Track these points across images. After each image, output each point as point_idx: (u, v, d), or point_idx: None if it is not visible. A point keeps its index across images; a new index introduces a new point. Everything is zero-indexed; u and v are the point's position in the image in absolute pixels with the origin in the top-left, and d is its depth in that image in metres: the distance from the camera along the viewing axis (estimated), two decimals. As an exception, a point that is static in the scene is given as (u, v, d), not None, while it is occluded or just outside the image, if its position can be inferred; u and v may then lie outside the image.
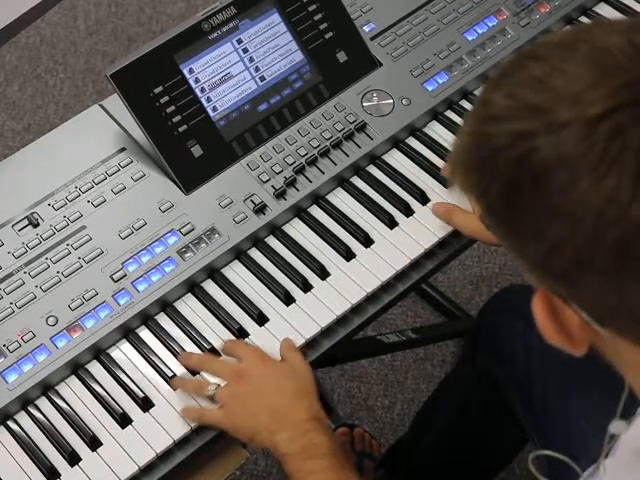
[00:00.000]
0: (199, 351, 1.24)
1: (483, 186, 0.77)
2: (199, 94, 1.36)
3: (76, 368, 1.23)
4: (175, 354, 1.24)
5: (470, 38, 1.51)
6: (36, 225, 1.29)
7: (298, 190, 1.36)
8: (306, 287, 1.30)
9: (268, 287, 1.30)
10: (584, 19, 1.59)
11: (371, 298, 1.31)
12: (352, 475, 1.12)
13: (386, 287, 1.31)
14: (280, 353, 1.23)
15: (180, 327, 1.26)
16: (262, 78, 1.40)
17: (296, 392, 1.17)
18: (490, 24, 1.53)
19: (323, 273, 1.31)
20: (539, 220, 0.73)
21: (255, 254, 1.33)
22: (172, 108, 1.34)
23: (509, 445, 1.67)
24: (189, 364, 1.22)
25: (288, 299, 1.29)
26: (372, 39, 1.49)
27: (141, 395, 1.20)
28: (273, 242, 1.34)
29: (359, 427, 1.93)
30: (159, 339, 1.25)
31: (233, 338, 1.25)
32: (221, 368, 1.20)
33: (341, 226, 1.36)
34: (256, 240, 1.34)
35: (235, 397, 1.17)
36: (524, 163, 0.72)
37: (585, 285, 0.73)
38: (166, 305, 1.28)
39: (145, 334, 1.26)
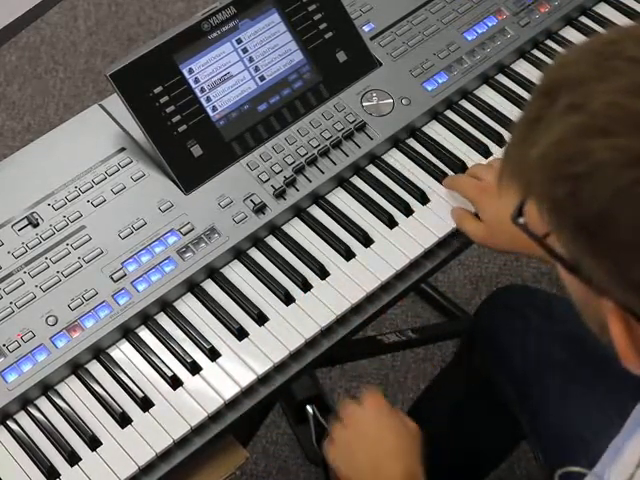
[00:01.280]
0: (199, 351, 1.24)
1: (576, 201, 0.71)
2: (199, 94, 1.36)
3: (76, 368, 1.23)
4: (175, 354, 1.24)
5: (470, 38, 1.51)
6: (36, 225, 1.29)
7: (298, 190, 1.36)
8: (306, 287, 1.30)
9: (268, 287, 1.30)
10: (584, 19, 1.59)
11: (371, 298, 1.31)
12: None
13: (386, 287, 1.31)
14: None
15: (180, 327, 1.26)
16: (262, 78, 1.40)
17: (400, 447, 1.18)
18: (490, 24, 1.53)
19: (323, 273, 1.31)
20: None
21: (255, 254, 1.33)
22: (172, 108, 1.34)
23: (502, 445, 1.67)
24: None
25: (288, 299, 1.29)
26: (372, 39, 1.49)
27: (141, 395, 1.20)
28: (273, 242, 1.34)
29: None
30: (159, 339, 1.25)
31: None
32: (343, 408, 1.23)
33: (341, 226, 1.36)
34: (256, 240, 1.34)
35: (344, 443, 1.20)
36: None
37: None
38: (166, 305, 1.28)
39: (145, 334, 1.26)
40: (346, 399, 1.25)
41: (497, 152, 1.43)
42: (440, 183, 1.39)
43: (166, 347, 1.25)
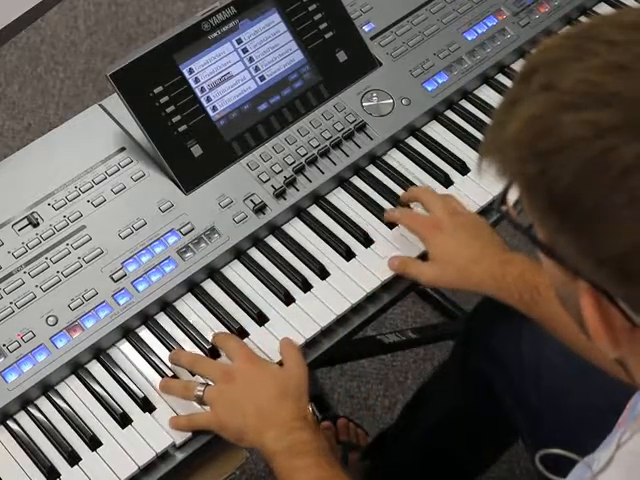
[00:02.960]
0: (199, 351, 1.24)
1: (546, 179, 0.73)
2: (199, 94, 1.36)
3: (76, 368, 1.23)
4: (175, 354, 1.24)
5: (470, 38, 1.51)
6: (36, 225, 1.29)
7: (298, 190, 1.36)
8: (306, 287, 1.30)
9: (268, 287, 1.30)
10: (584, 19, 1.59)
11: (371, 298, 1.31)
12: (339, 471, 1.12)
13: (386, 287, 1.31)
14: (279, 351, 1.23)
15: (180, 327, 1.26)
16: (262, 78, 1.40)
17: (283, 392, 1.17)
18: (490, 24, 1.53)
19: (323, 273, 1.31)
20: (622, 216, 0.70)
21: (255, 254, 1.33)
22: (172, 108, 1.34)
23: (495, 445, 1.67)
24: (179, 363, 1.22)
25: (288, 299, 1.29)
26: (372, 39, 1.49)
27: (141, 395, 1.20)
28: (273, 242, 1.34)
29: (343, 417, 1.93)
30: (159, 339, 1.25)
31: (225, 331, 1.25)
32: (210, 368, 1.20)
33: (341, 226, 1.36)
34: (256, 240, 1.34)
35: (223, 397, 1.17)
36: (608, 157, 0.69)
37: None
38: (166, 305, 1.28)
39: (145, 334, 1.26)
40: (205, 358, 1.21)
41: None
42: (441, 184, 1.39)
43: (166, 347, 1.25)
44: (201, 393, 1.18)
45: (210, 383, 1.19)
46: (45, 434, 1.18)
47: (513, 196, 0.80)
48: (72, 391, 1.21)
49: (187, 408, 1.19)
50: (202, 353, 1.24)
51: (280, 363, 1.22)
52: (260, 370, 1.19)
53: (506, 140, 0.76)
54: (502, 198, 0.81)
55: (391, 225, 1.35)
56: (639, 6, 1.61)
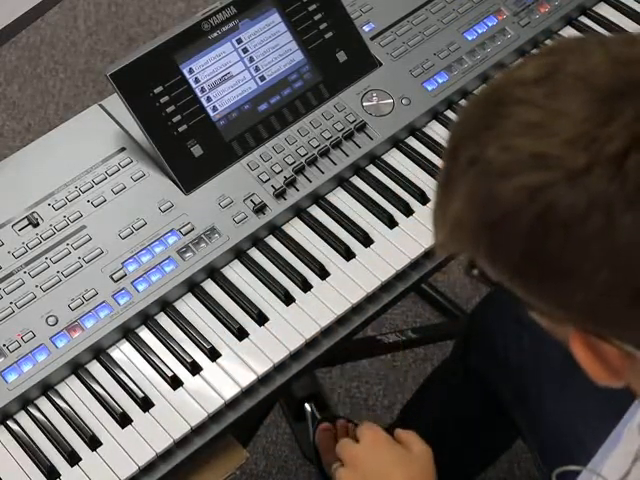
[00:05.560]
0: (199, 351, 1.24)
1: (500, 248, 0.73)
2: (199, 94, 1.36)
3: (76, 368, 1.23)
4: (175, 354, 1.24)
5: (470, 38, 1.51)
6: (36, 225, 1.29)
7: (298, 190, 1.36)
8: (306, 287, 1.30)
9: (268, 287, 1.30)
10: (584, 19, 1.59)
11: (371, 298, 1.31)
12: None
13: (386, 287, 1.31)
14: (396, 435, 1.23)
15: (180, 327, 1.26)
16: (262, 78, 1.40)
17: (407, 478, 1.16)
18: (490, 24, 1.53)
19: (323, 273, 1.31)
20: (584, 269, 0.70)
21: (255, 254, 1.33)
22: (172, 108, 1.34)
23: (495, 445, 1.67)
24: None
25: (288, 299, 1.29)
26: (372, 39, 1.49)
27: (141, 395, 1.20)
28: (273, 242, 1.34)
29: (342, 418, 1.92)
30: (159, 339, 1.25)
31: None
32: (341, 450, 1.21)
33: (341, 226, 1.36)
34: (256, 240, 1.34)
35: None
36: (549, 216, 0.69)
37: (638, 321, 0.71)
38: (166, 305, 1.28)
39: (145, 334, 1.26)
40: (344, 439, 1.23)
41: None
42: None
43: (166, 347, 1.25)
44: (334, 470, 1.20)
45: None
46: (45, 434, 1.18)
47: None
48: (72, 391, 1.21)
49: (188, 406, 1.19)
50: (202, 353, 1.24)
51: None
52: (383, 455, 1.19)
53: (452, 221, 0.76)
54: (469, 265, 0.80)
55: (391, 225, 1.35)
56: (637, 6, 1.60)
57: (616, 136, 0.68)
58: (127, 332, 1.26)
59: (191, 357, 1.23)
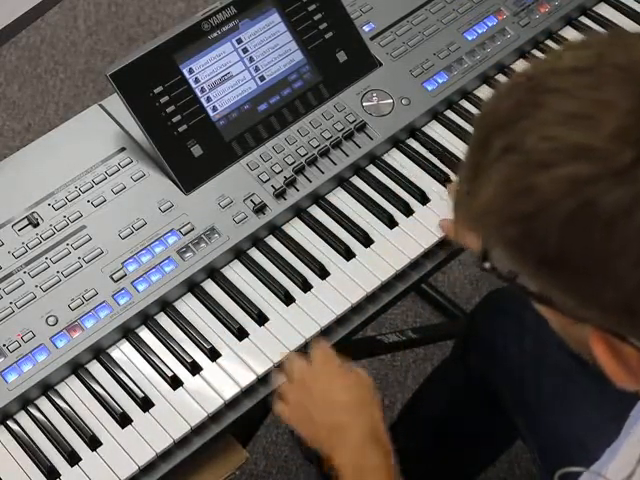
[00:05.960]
0: (199, 351, 1.24)
1: (532, 239, 0.72)
2: (199, 94, 1.36)
3: (76, 368, 1.23)
4: (175, 354, 1.24)
5: (470, 38, 1.51)
6: (36, 225, 1.29)
7: (298, 190, 1.36)
8: (306, 287, 1.30)
9: (268, 287, 1.30)
10: (584, 19, 1.59)
11: (371, 298, 1.31)
12: None
13: (386, 287, 1.31)
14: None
15: (180, 327, 1.26)
16: (262, 78, 1.40)
17: (356, 404, 1.14)
18: (490, 24, 1.53)
19: (323, 273, 1.31)
20: (618, 266, 0.69)
21: (255, 254, 1.33)
22: (172, 108, 1.34)
23: (495, 445, 1.67)
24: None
25: (288, 299, 1.29)
26: (372, 39, 1.49)
27: (141, 395, 1.20)
28: (273, 242, 1.34)
29: None
30: (159, 339, 1.25)
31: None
32: (290, 366, 1.19)
33: (341, 226, 1.36)
34: (256, 240, 1.34)
35: (296, 403, 1.17)
36: (590, 210, 0.68)
37: None
38: (166, 305, 1.28)
39: (145, 334, 1.26)
40: (292, 355, 1.21)
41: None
42: (440, 183, 1.39)
43: (166, 347, 1.25)
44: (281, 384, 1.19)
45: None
46: (45, 434, 1.18)
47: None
48: (72, 391, 1.21)
49: (188, 406, 1.19)
50: (202, 353, 1.24)
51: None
52: (334, 378, 1.17)
53: (480, 209, 0.75)
54: (482, 257, 0.79)
55: (391, 225, 1.35)
56: (637, 6, 1.61)
57: None
58: (127, 332, 1.26)
59: (191, 357, 1.23)
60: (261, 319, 1.27)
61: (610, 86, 0.70)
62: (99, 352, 1.24)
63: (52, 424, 1.18)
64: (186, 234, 1.30)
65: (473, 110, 1.48)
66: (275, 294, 1.29)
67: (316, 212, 1.37)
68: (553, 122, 0.70)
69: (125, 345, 1.25)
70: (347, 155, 1.40)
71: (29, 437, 1.17)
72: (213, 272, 1.31)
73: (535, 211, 0.71)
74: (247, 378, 1.22)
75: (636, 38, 0.73)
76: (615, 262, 0.69)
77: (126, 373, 1.22)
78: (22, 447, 1.17)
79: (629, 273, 0.69)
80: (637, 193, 0.67)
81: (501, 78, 1.52)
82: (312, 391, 1.17)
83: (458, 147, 1.44)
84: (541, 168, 0.70)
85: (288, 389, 1.18)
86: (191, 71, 1.35)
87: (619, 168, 0.67)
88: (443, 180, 1.40)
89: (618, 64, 0.71)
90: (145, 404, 1.20)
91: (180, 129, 1.34)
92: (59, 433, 1.18)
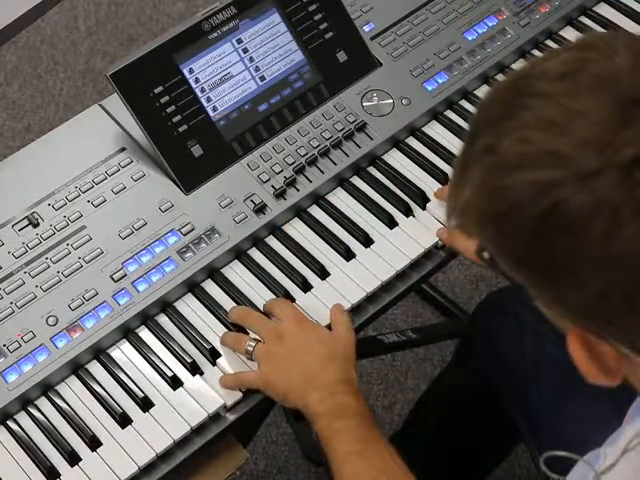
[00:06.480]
0: (198, 352, 1.24)
1: (505, 238, 0.74)
2: (199, 94, 1.36)
3: (76, 368, 1.23)
4: (175, 354, 1.24)
5: (470, 38, 1.51)
6: (36, 225, 1.29)
7: (298, 190, 1.36)
8: (306, 287, 1.30)
9: (268, 287, 1.30)
10: (584, 19, 1.59)
11: (371, 298, 1.31)
12: (378, 434, 1.14)
13: (386, 287, 1.31)
14: (330, 317, 1.25)
15: (180, 327, 1.26)
16: (262, 78, 1.40)
17: (330, 355, 1.19)
18: (490, 24, 1.53)
19: (323, 273, 1.31)
20: (582, 270, 0.70)
21: (255, 254, 1.33)
22: (172, 108, 1.34)
23: (499, 447, 1.67)
24: (231, 316, 1.24)
25: (288, 299, 1.28)
26: (372, 39, 1.49)
27: (141, 395, 1.20)
28: (273, 242, 1.34)
29: None
30: (159, 339, 1.25)
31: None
32: (261, 325, 1.22)
33: (341, 226, 1.36)
34: (256, 240, 1.34)
35: (271, 356, 1.19)
36: (555, 214, 0.70)
37: (633, 326, 0.72)
38: (166, 305, 1.28)
39: (145, 334, 1.26)
40: (256, 315, 1.23)
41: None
42: (440, 183, 1.39)
43: (166, 347, 1.25)
44: (251, 348, 1.20)
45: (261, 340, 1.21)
46: (45, 434, 1.18)
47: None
48: (72, 391, 1.21)
49: (188, 406, 1.19)
50: (202, 354, 1.24)
51: (329, 327, 1.23)
52: (309, 332, 1.21)
53: (464, 205, 0.78)
54: (479, 250, 0.81)
55: (391, 225, 1.35)
56: (637, 6, 1.60)
57: (631, 143, 0.68)
58: (127, 332, 1.26)
59: (191, 357, 1.23)
60: (261, 319, 1.27)
61: (586, 95, 0.71)
62: (99, 352, 1.24)
63: (52, 424, 1.18)
64: (186, 234, 1.30)
65: (473, 110, 1.48)
66: (275, 294, 1.29)
67: (316, 212, 1.37)
68: (533, 126, 0.72)
69: (125, 345, 1.25)
70: (347, 155, 1.40)
71: (29, 437, 1.17)
72: (213, 272, 1.31)
73: (506, 212, 0.73)
74: (247, 378, 1.22)
75: (623, 46, 0.73)
76: (577, 267, 0.71)
77: (126, 373, 1.22)
78: (22, 447, 1.17)
79: (590, 278, 0.70)
80: (598, 199, 0.68)
81: (501, 78, 1.51)
82: (289, 346, 1.20)
83: (458, 147, 1.43)
84: (513, 170, 0.72)
85: (264, 348, 1.20)
86: (191, 71, 1.35)
87: (583, 174, 0.69)
88: (443, 180, 1.40)
89: (596, 73, 0.72)
90: (145, 404, 1.20)
91: (180, 129, 1.34)
92: (59, 433, 1.18)
